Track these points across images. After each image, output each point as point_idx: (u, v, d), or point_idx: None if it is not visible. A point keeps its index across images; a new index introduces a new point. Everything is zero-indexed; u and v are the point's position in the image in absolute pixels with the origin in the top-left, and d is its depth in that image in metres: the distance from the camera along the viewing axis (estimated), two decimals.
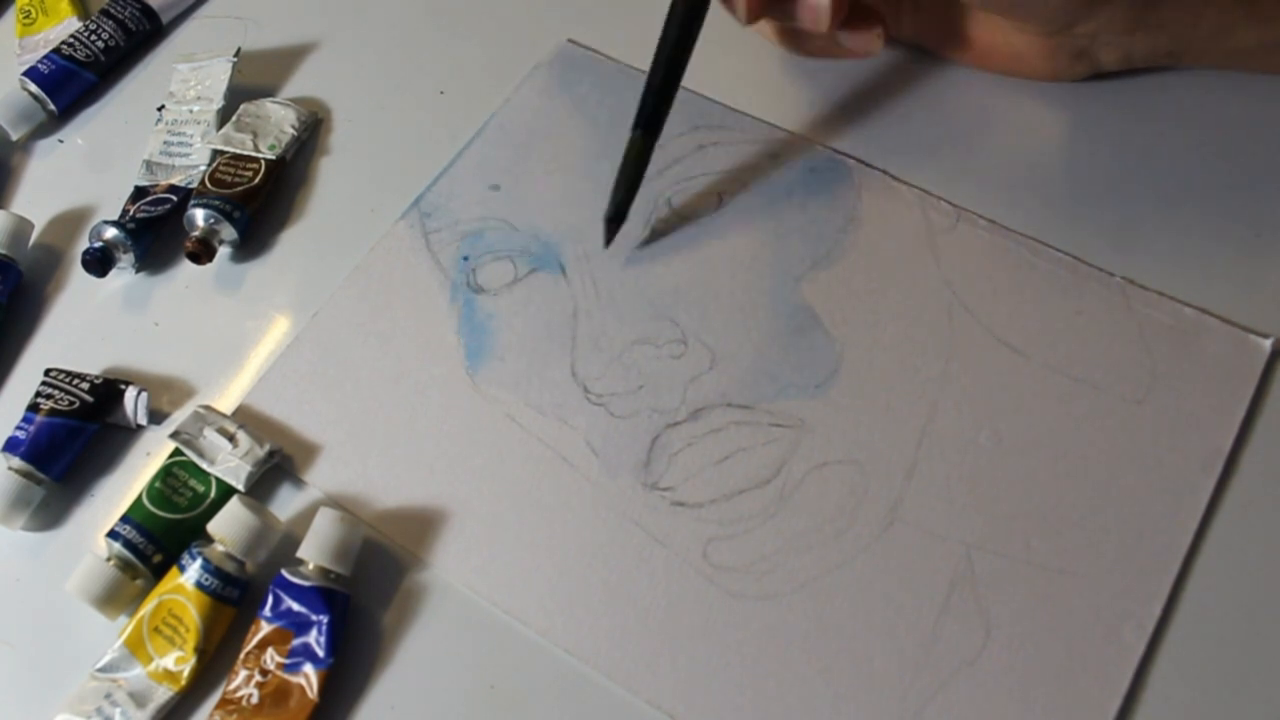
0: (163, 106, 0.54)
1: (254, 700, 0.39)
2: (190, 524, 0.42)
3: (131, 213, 0.50)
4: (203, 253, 0.48)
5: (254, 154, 0.51)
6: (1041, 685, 0.36)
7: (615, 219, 0.44)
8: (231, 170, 0.50)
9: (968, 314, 0.42)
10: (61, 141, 0.57)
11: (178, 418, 0.46)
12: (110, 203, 0.53)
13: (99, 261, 0.49)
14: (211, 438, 0.44)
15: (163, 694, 0.39)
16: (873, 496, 0.39)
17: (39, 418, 0.45)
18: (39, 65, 0.56)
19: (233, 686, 0.39)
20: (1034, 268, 0.43)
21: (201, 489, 0.43)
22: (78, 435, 0.45)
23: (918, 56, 0.49)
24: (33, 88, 0.56)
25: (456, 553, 0.41)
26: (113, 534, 0.42)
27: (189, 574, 0.40)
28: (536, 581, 0.40)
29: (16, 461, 0.44)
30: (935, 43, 0.48)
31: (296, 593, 0.39)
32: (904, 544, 0.38)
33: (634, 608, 0.39)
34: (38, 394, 0.46)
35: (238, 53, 0.54)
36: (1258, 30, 0.41)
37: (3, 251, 0.50)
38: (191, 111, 0.54)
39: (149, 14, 0.58)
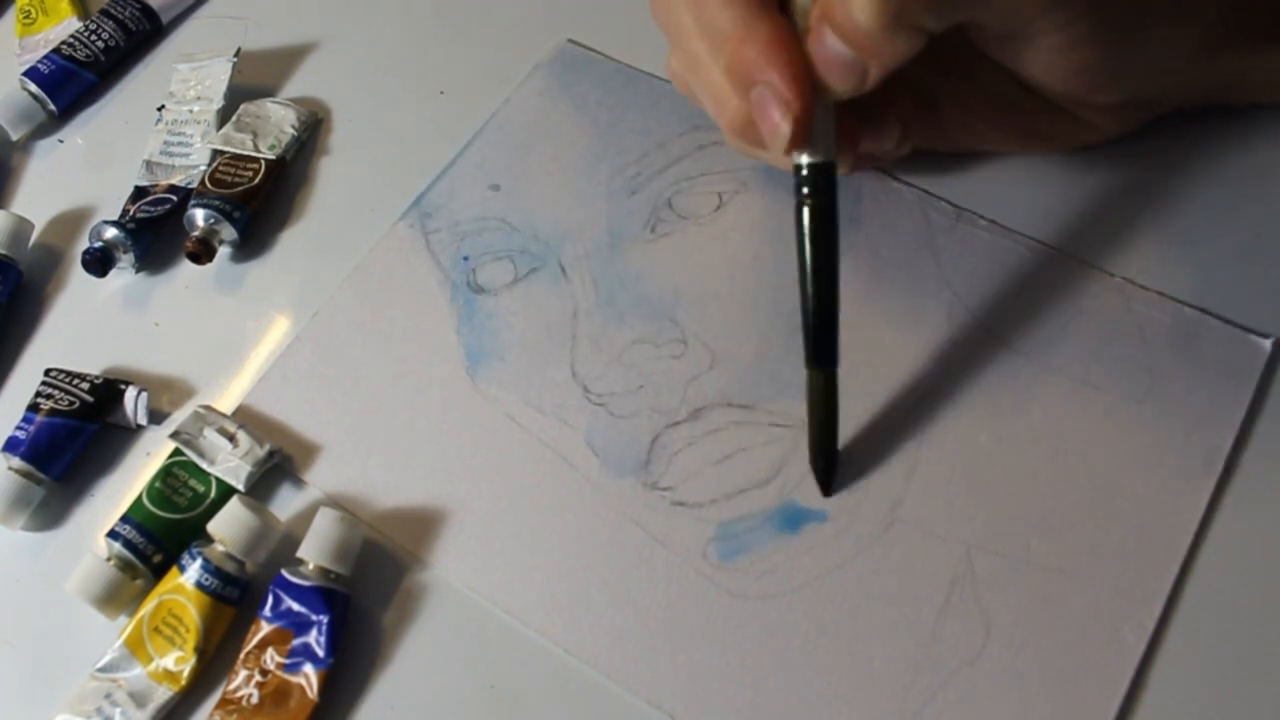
0: (163, 106, 0.54)
1: (254, 700, 0.39)
2: (190, 524, 0.42)
3: (131, 213, 0.50)
4: (203, 253, 0.49)
5: (254, 154, 0.51)
6: (1041, 686, 0.36)
7: (826, 466, 0.39)
8: (231, 170, 0.50)
9: (968, 314, 0.42)
10: (61, 141, 0.57)
11: (178, 417, 0.46)
12: (110, 203, 0.53)
13: (99, 261, 0.49)
14: (211, 438, 0.44)
15: (163, 694, 0.39)
16: (873, 496, 0.39)
17: (39, 418, 0.45)
18: (39, 65, 0.56)
19: (233, 686, 0.39)
20: (1034, 267, 0.43)
21: (201, 489, 0.43)
22: (78, 435, 0.45)
23: None
24: (33, 88, 0.56)
25: (456, 553, 0.41)
26: (113, 534, 0.42)
27: (189, 574, 0.40)
28: (536, 581, 0.40)
29: (16, 461, 0.44)
30: (976, 140, 0.43)
31: (296, 593, 0.39)
32: (904, 544, 0.39)
33: (634, 607, 0.39)
34: (38, 394, 0.46)
35: (238, 53, 0.54)
36: None
37: (3, 251, 0.50)
38: (191, 111, 0.54)
39: (149, 14, 0.58)
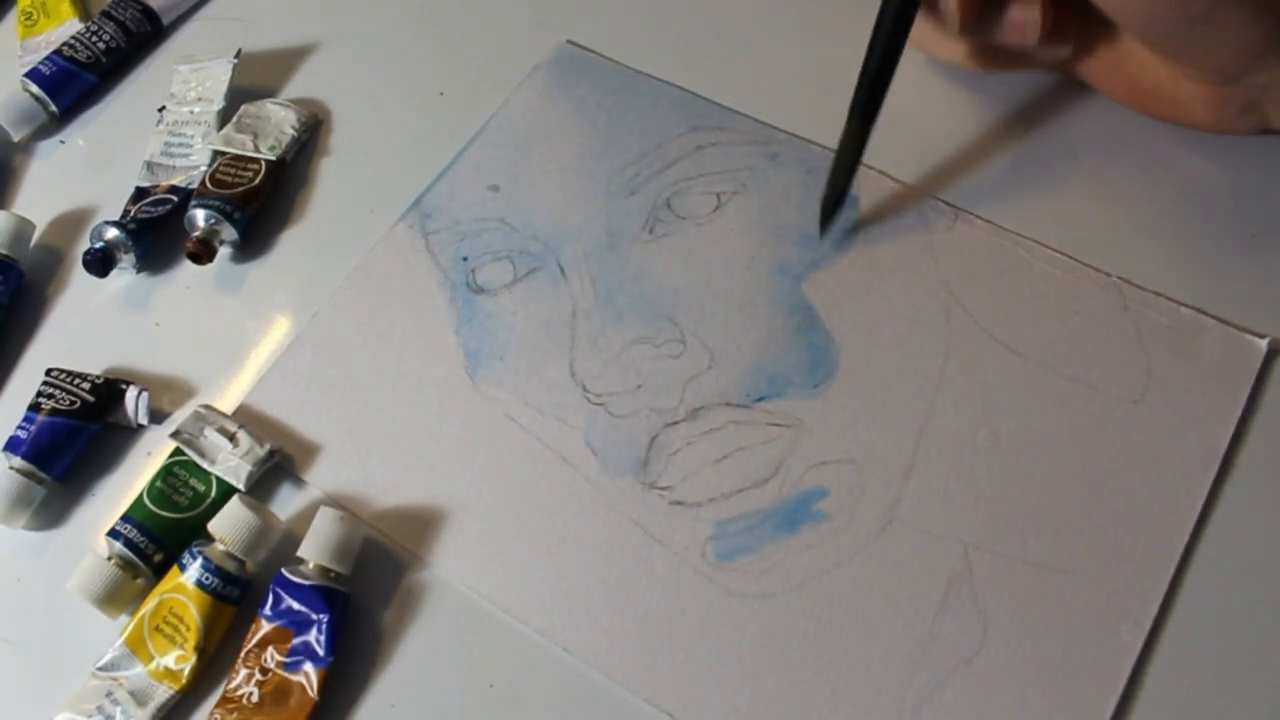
0: (163, 107, 0.55)
1: (254, 699, 0.39)
2: (191, 523, 0.43)
3: (132, 213, 0.51)
4: (203, 253, 0.49)
5: (254, 155, 0.51)
6: (1039, 684, 0.36)
7: (832, 203, 0.44)
8: (232, 171, 0.50)
9: (965, 314, 0.42)
10: (63, 142, 0.57)
11: (178, 417, 0.46)
12: (111, 203, 0.53)
13: (100, 262, 0.49)
14: (212, 437, 0.44)
15: (163, 692, 0.39)
16: (870, 496, 0.40)
17: (40, 417, 0.45)
18: (40, 66, 0.56)
19: (233, 685, 0.39)
20: (1031, 268, 0.43)
21: (202, 488, 0.43)
22: (79, 435, 0.45)
23: (919, 58, 0.48)
24: (34, 89, 0.56)
25: (456, 552, 0.41)
26: (114, 533, 0.42)
27: (189, 573, 0.40)
28: (536, 581, 0.40)
29: (18, 461, 0.45)
30: (1097, 78, 0.45)
31: (297, 591, 0.39)
32: (902, 543, 0.39)
33: (633, 607, 0.39)
34: (39, 394, 0.46)
35: (238, 54, 0.54)
36: None
37: (4, 252, 0.50)
38: (192, 112, 0.54)
39: (150, 15, 0.58)
